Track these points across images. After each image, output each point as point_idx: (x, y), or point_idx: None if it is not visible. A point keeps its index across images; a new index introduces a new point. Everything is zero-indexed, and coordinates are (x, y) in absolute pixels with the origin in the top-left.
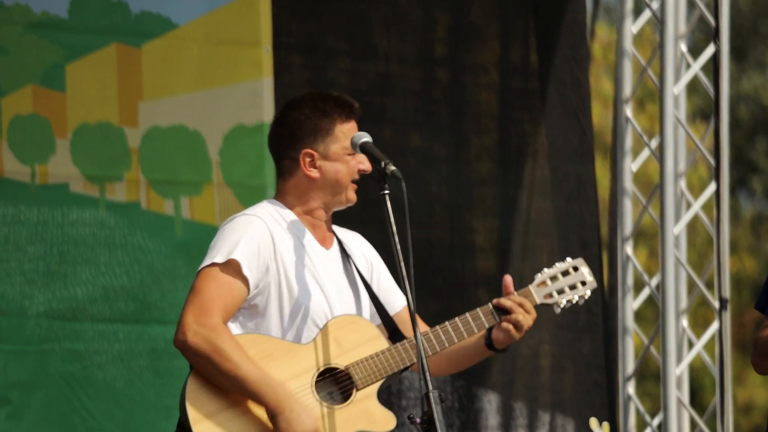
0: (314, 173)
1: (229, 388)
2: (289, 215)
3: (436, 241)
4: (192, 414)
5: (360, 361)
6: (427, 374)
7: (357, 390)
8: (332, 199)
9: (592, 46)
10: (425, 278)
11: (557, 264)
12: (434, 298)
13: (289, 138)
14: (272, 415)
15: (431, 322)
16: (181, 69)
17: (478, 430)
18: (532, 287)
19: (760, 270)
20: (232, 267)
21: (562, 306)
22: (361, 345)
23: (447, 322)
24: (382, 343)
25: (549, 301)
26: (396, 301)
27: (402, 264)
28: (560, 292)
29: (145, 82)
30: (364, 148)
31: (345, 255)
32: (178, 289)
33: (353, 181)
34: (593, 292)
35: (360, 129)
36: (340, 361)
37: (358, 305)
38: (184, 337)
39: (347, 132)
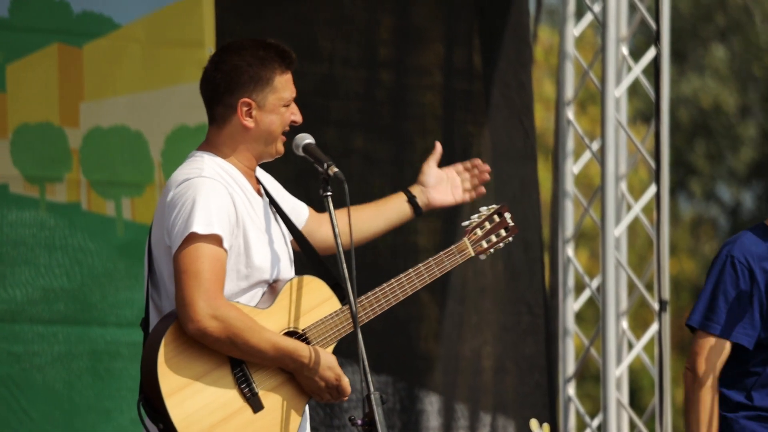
0: (250, 123)
1: (248, 360)
2: (232, 170)
3: (379, 243)
4: (164, 386)
5: (316, 324)
6: (369, 376)
7: None
8: (264, 150)
9: (535, 48)
10: (368, 280)
11: (481, 210)
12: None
13: (227, 84)
14: (295, 374)
15: (376, 325)
16: (123, 69)
17: (420, 431)
18: (467, 241)
19: (699, 272)
20: (215, 240)
21: (489, 254)
22: (316, 307)
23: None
24: (335, 303)
25: (480, 251)
26: (302, 214)
27: (344, 266)
28: (488, 241)
29: (86, 82)
30: (306, 150)
31: (271, 199)
32: (119, 290)
33: (283, 133)
34: (536, 294)
35: (303, 131)
36: (299, 324)
37: (289, 253)
38: (203, 326)
39: (285, 83)
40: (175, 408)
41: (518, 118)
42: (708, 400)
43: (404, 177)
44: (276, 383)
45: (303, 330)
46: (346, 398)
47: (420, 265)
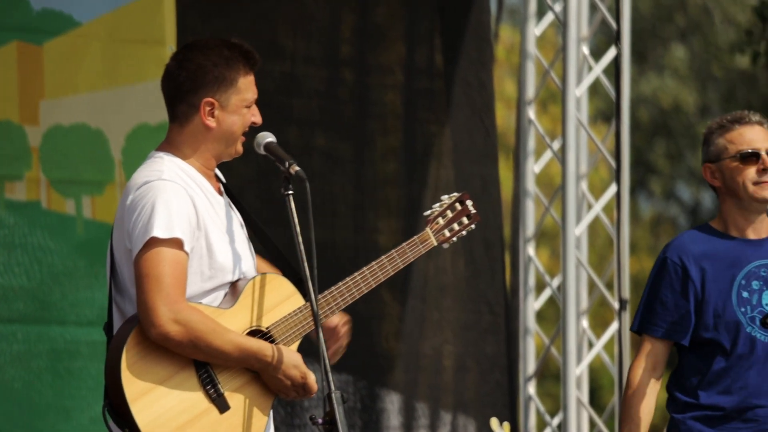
0: (212, 123)
1: (212, 362)
2: (192, 171)
3: (340, 242)
4: (129, 392)
5: (279, 321)
6: (330, 375)
7: None
8: (224, 150)
9: (496, 47)
10: (329, 279)
11: (443, 198)
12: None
13: (191, 83)
14: (261, 374)
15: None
16: (83, 67)
17: (380, 430)
18: (429, 231)
19: None
20: (175, 244)
21: (451, 242)
22: (279, 304)
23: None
24: (298, 300)
25: (442, 240)
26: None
27: (305, 265)
28: (450, 229)
29: (46, 80)
30: (268, 149)
31: (231, 197)
32: (78, 289)
33: (243, 134)
34: (497, 293)
35: (265, 129)
36: (262, 323)
37: (251, 252)
38: (165, 330)
39: (248, 84)
40: (141, 413)
41: (479, 117)
42: (635, 403)
43: (365, 176)
44: (241, 383)
45: (267, 328)
46: (313, 395)
47: (383, 257)
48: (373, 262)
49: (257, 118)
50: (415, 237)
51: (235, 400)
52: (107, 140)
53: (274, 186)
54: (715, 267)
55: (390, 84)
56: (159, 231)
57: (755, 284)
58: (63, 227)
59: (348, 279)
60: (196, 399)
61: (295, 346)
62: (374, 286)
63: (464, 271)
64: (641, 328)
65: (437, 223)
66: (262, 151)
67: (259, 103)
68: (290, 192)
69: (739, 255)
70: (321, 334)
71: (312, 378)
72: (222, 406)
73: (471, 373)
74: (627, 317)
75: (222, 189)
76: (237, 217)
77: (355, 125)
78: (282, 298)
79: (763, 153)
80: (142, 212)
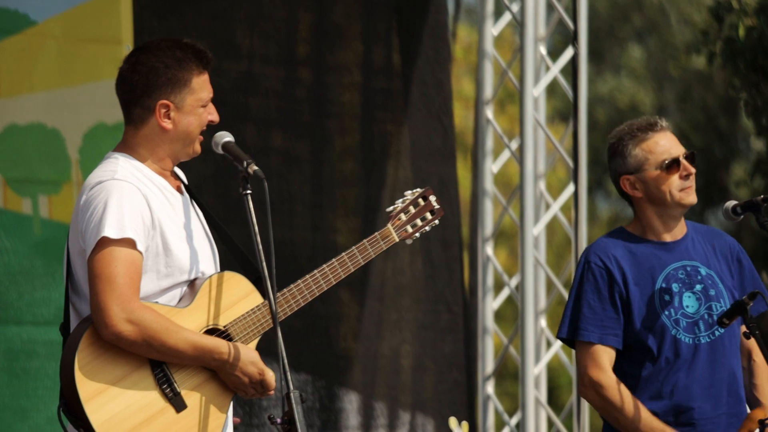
0: (168, 124)
1: (167, 360)
2: (147, 170)
3: (299, 241)
4: (82, 391)
5: (237, 319)
6: (288, 374)
7: None
8: (181, 151)
9: (454, 47)
10: (287, 278)
11: (406, 194)
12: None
13: (145, 86)
14: (218, 371)
15: (295, 323)
16: (39, 66)
17: (339, 430)
18: (390, 227)
19: None
20: (128, 243)
21: (415, 238)
22: (237, 302)
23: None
24: (256, 298)
25: (405, 236)
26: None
27: (264, 264)
28: (413, 225)
29: (2, 78)
30: (226, 148)
31: (192, 195)
32: (35, 288)
33: (200, 133)
34: (456, 293)
35: (222, 129)
36: (219, 321)
37: (213, 250)
38: (117, 330)
39: (203, 84)
40: (95, 413)
41: (437, 116)
42: (618, 397)
43: (323, 175)
44: (198, 381)
45: (224, 326)
46: (272, 392)
47: (343, 253)
48: (333, 259)
49: (214, 117)
50: (376, 233)
51: (192, 398)
52: (64, 139)
53: (232, 185)
54: (636, 271)
55: (347, 83)
56: (110, 231)
57: (675, 287)
58: (19, 226)
59: (307, 276)
60: (152, 398)
61: (253, 344)
62: (334, 282)
63: (422, 270)
64: (572, 334)
65: (399, 219)
66: (220, 151)
67: (217, 102)
68: (248, 191)
69: (657, 258)
70: (279, 334)
71: (270, 375)
72: (179, 405)
73: (429, 373)
74: None
75: (182, 187)
76: (198, 216)
77: (312, 125)
78: (240, 296)
79: (682, 159)
80: (95, 212)
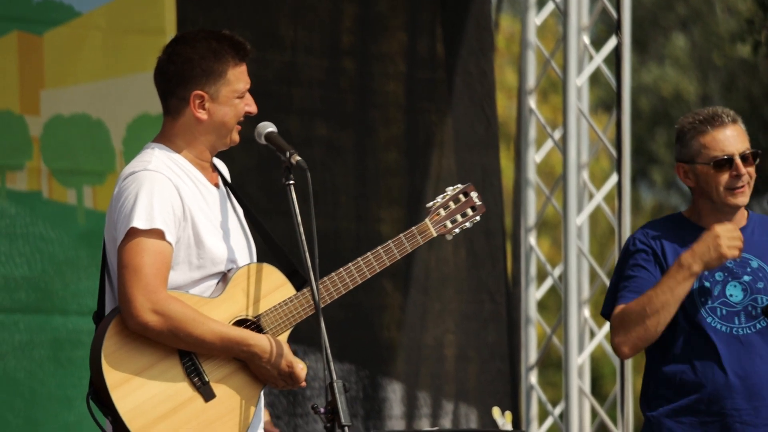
0: (203, 115)
1: (195, 351)
2: (182, 161)
3: (342, 232)
4: (109, 379)
5: (269, 311)
6: (331, 364)
7: None
8: (218, 141)
9: (496, 37)
10: (330, 269)
11: (447, 190)
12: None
13: (180, 77)
14: (247, 362)
15: (339, 314)
16: (84, 57)
17: (382, 419)
18: (428, 222)
19: None
20: (156, 234)
21: (454, 234)
22: (269, 293)
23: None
24: (289, 290)
25: (444, 231)
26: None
27: (307, 255)
28: (453, 221)
29: (47, 70)
30: (269, 138)
31: (229, 190)
32: (80, 279)
33: (239, 123)
34: (499, 283)
35: (266, 119)
36: (249, 312)
37: (249, 244)
38: (143, 321)
39: (239, 75)
40: (121, 400)
41: (480, 106)
42: (631, 307)
43: (367, 165)
44: (227, 372)
45: (255, 317)
46: (304, 385)
47: (379, 247)
48: (369, 253)
49: (252, 108)
50: (413, 228)
51: (221, 389)
52: (108, 130)
53: (275, 176)
54: (679, 254)
55: (391, 73)
56: (139, 222)
57: (719, 275)
58: (64, 217)
59: (341, 269)
60: (180, 388)
61: (284, 336)
62: (369, 276)
63: (465, 261)
64: (613, 306)
65: (438, 214)
66: (263, 141)
67: (260, 92)
68: (291, 182)
69: None
70: (322, 324)
71: (299, 367)
72: (207, 394)
73: (472, 363)
74: None
75: (220, 181)
76: (236, 210)
77: (356, 115)
78: (272, 288)
79: (736, 158)
80: (126, 203)
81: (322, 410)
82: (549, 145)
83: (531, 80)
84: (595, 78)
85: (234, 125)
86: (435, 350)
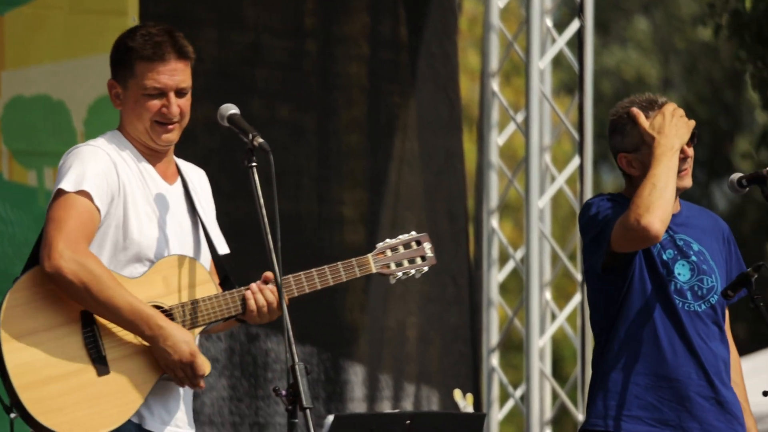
0: (118, 105)
1: (101, 314)
2: (129, 146)
3: (305, 214)
4: (4, 330)
5: (185, 303)
6: (293, 347)
7: None
8: (141, 136)
9: (459, 19)
10: (293, 251)
11: (400, 236)
12: (302, 271)
13: (111, 64)
14: (149, 343)
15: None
16: (45, 38)
17: (344, 402)
18: (370, 256)
19: None
20: (84, 195)
21: (397, 278)
22: (189, 287)
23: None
24: (210, 288)
25: (385, 271)
26: (218, 248)
27: (269, 237)
28: (398, 264)
29: (7, 50)
30: (231, 120)
31: (188, 192)
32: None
33: (161, 123)
34: (461, 265)
35: (228, 100)
36: (165, 300)
37: (197, 245)
38: (59, 264)
39: (147, 73)
40: (11, 353)
41: (443, 89)
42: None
43: (330, 147)
44: (127, 352)
45: (169, 307)
46: (202, 386)
47: (314, 270)
48: (302, 272)
49: (167, 111)
50: (353, 260)
51: (117, 366)
52: (69, 111)
53: (237, 158)
54: None
55: (354, 55)
56: (67, 184)
57: (670, 252)
58: (24, 198)
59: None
60: (75, 356)
61: (194, 332)
62: (296, 295)
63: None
64: (597, 256)
65: (384, 253)
66: (225, 123)
67: (223, 74)
68: (254, 164)
69: None
70: (285, 307)
71: (201, 359)
72: (101, 369)
73: (434, 345)
74: None
75: (179, 182)
76: (193, 212)
77: (319, 97)
78: (193, 283)
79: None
80: (62, 169)
81: (283, 393)
82: (512, 127)
83: (494, 63)
84: (558, 61)
85: (147, 123)
86: (397, 333)
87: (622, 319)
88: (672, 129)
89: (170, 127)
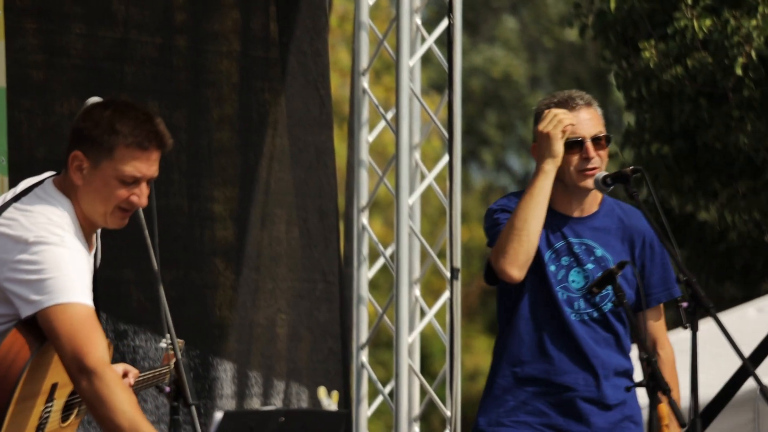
0: (78, 179)
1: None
2: (78, 225)
3: (175, 209)
4: (17, 394)
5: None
6: (176, 342)
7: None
8: (94, 215)
9: (330, 16)
10: (163, 246)
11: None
12: (172, 267)
13: (77, 133)
14: None
15: (170, 292)
16: None
17: (213, 399)
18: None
19: None
20: (87, 307)
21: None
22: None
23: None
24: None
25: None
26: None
27: (146, 232)
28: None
29: None
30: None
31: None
32: None
33: (124, 209)
34: (332, 262)
35: (96, 95)
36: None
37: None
38: (99, 370)
39: (129, 159)
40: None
41: (314, 86)
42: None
43: (200, 144)
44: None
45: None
46: None
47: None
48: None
49: (137, 200)
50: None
51: None
52: None
53: None
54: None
55: (225, 52)
56: (76, 296)
57: (564, 260)
58: None
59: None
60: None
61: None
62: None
63: (299, 240)
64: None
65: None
66: None
67: (91, 69)
68: None
69: (556, 228)
70: (164, 298)
71: None
72: None
73: (304, 342)
74: (458, 286)
75: (94, 251)
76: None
77: (189, 93)
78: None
79: (587, 141)
80: (48, 272)
81: (167, 389)
82: (382, 125)
83: (364, 61)
84: (427, 59)
85: (110, 208)
86: (267, 329)
87: (512, 327)
88: (543, 147)
89: (129, 214)
